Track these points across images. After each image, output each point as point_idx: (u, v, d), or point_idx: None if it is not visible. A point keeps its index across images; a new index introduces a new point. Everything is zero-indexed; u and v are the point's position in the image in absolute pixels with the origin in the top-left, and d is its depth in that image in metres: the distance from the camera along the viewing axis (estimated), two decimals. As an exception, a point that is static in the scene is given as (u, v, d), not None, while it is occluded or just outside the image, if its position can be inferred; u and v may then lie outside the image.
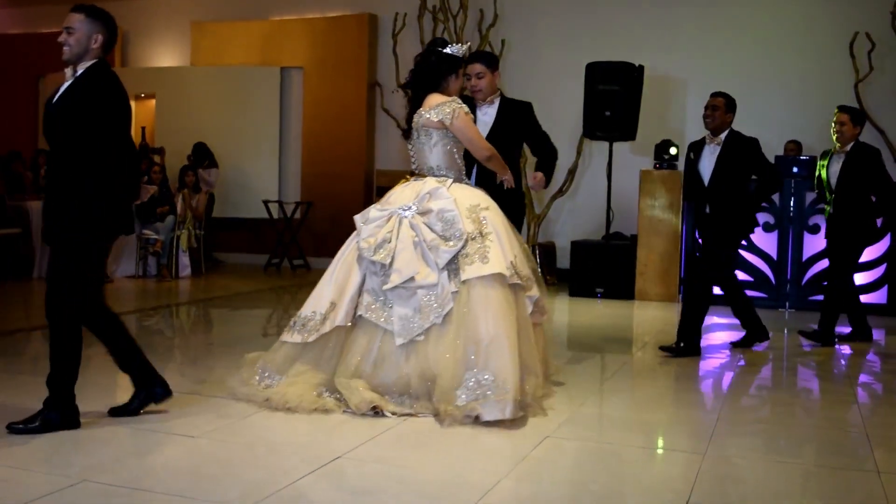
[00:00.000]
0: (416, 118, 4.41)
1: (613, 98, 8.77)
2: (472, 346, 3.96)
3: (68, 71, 3.72)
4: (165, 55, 12.70)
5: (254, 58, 11.93)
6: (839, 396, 4.95)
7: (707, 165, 5.92)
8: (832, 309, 6.42)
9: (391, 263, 4.15)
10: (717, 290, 6.13)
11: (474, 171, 4.73)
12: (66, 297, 3.63)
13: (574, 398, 4.49)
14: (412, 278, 4.10)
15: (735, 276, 6.28)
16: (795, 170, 8.43)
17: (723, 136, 5.87)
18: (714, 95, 5.94)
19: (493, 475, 3.23)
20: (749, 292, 6.94)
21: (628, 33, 10.10)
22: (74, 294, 3.64)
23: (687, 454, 3.63)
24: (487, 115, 4.96)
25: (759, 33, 9.81)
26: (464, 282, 4.08)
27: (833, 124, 6.45)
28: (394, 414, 3.96)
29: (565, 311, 8.19)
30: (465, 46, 4.52)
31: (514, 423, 3.86)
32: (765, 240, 8.41)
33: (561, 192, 10.18)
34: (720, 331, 6.89)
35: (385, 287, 4.13)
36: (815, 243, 8.37)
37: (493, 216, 4.29)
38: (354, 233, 4.38)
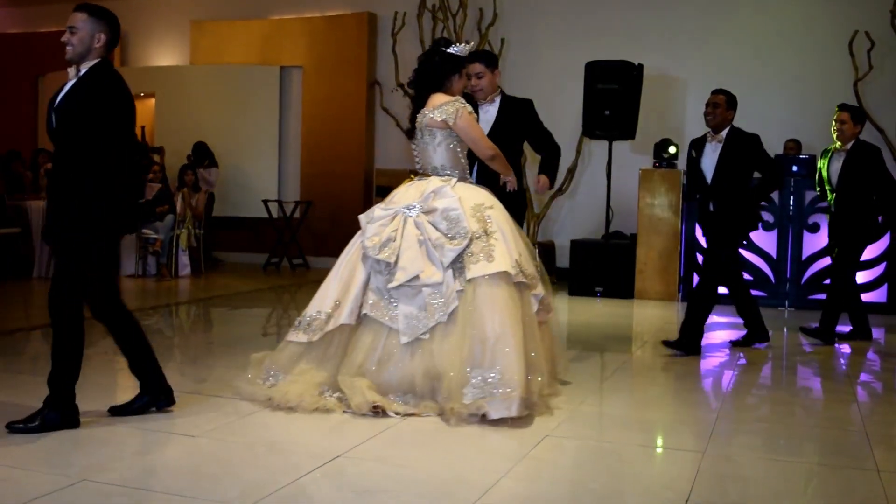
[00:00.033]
0: (419, 118, 4.42)
1: (613, 97, 8.78)
2: (478, 344, 3.97)
3: (71, 70, 3.73)
4: (165, 54, 12.69)
5: (253, 57, 11.93)
6: (839, 395, 4.95)
7: (709, 163, 5.93)
8: (834, 307, 6.43)
9: (396, 262, 4.15)
10: (722, 290, 6.13)
11: (475, 169, 4.73)
12: (66, 297, 3.63)
13: (574, 397, 4.49)
14: (417, 276, 4.10)
15: (741, 273, 6.26)
16: (795, 168, 8.43)
17: (724, 133, 5.87)
18: (715, 93, 5.94)
19: (492, 474, 3.23)
20: (749, 291, 6.94)
21: (628, 32, 10.10)
22: (75, 294, 3.64)
23: (687, 453, 3.63)
24: (488, 113, 4.98)
25: (758, 32, 9.81)
26: (469, 280, 4.09)
27: (833, 123, 6.45)
28: (397, 414, 3.95)
29: (565, 310, 8.19)
30: (468, 46, 4.53)
31: (519, 421, 3.86)
32: (764, 239, 8.41)
33: (560, 191, 10.18)
34: (720, 329, 6.89)
35: (390, 285, 4.14)
36: (814, 242, 8.38)
37: (498, 215, 4.31)
38: (359, 232, 4.38)
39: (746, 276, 8.36)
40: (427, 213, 4.24)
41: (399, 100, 11.08)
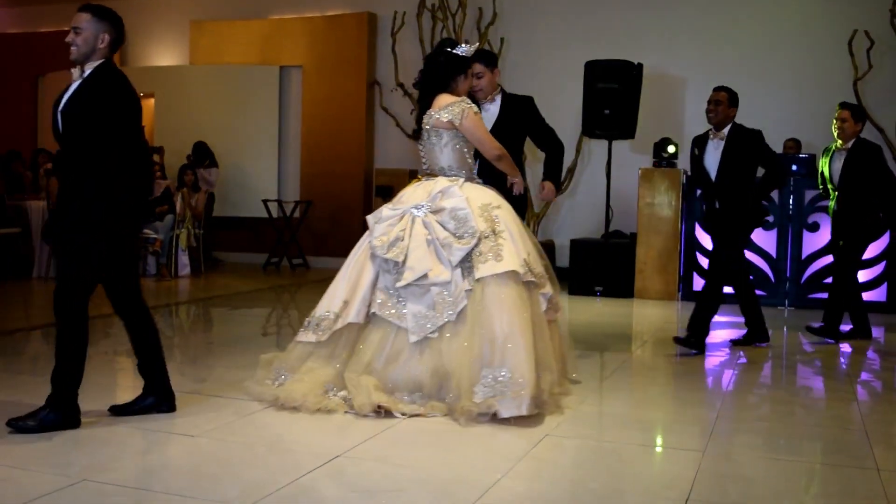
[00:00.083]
0: (425, 119, 4.43)
1: (612, 96, 8.77)
2: (487, 343, 3.98)
3: (75, 71, 3.74)
4: (164, 54, 12.69)
5: (253, 57, 11.93)
6: (839, 394, 4.95)
7: (712, 161, 5.94)
8: (838, 304, 6.44)
9: (404, 261, 4.16)
10: (729, 289, 6.14)
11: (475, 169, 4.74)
12: (67, 298, 3.64)
13: (574, 396, 4.49)
14: (425, 275, 4.11)
15: (746, 272, 6.24)
16: (795, 168, 8.43)
17: (726, 130, 5.88)
18: (717, 90, 5.95)
19: (492, 474, 3.23)
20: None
21: (627, 32, 10.10)
22: (76, 295, 3.65)
23: (687, 452, 3.63)
24: (490, 112, 4.99)
25: (757, 31, 9.81)
26: (478, 280, 4.10)
27: (834, 121, 6.46)
28: (403, 415, 3.94)
29: (565, 310, 8.10)
30: (473, 47, 4.54)
31: (520, 420, 3.86)
32: (764, 238, 8.41)
33: (560, 190, 10.17)
34: (720, 329, 6.89)
35: (398, 284, 4.14)
36: (814, 241, 8.38)
37: (505, 214, 4.33)
38: (367, 232, 4.40)
39: (746, 275, 8.38)
40: (435, 212, 4.25)
41: (399, 99, 11.08)
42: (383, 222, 4.31)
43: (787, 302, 8.44)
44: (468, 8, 10.68)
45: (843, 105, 6.52)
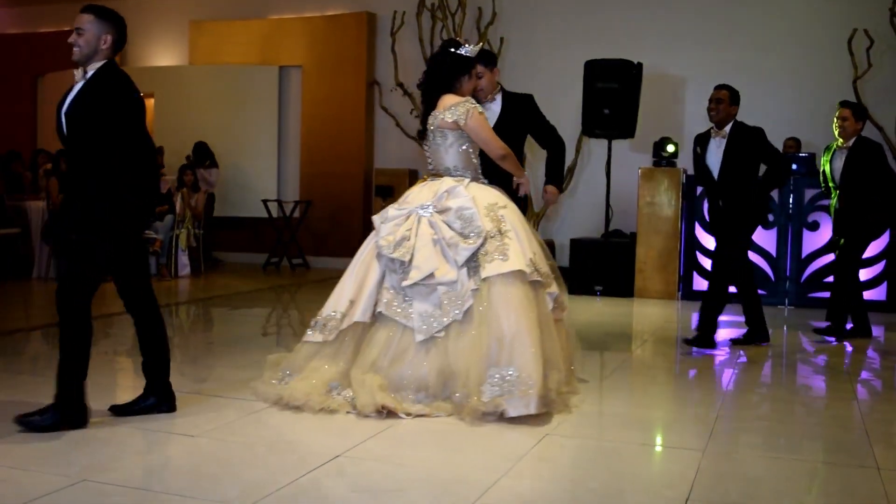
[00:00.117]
0: (430, 119, 4.43)
1: (612, 96, 8.77)
2: (494, 342, 3.99)
3: (78, 72, 3.75)
4: (164, 54, 12.69)
5: (252, 57, 11.93)
6: (839, 393, 4.95)
7: (714, 159, 5.95)
8: (842, 302, 6.45)
9: (410, 261, 4.17)
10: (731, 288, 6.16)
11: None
12: (70, 297, 3.65)
13: (574, 396, 4.48)
14: (432, 275, 4.12)
15: (750, 271, 6.24)
16: (794, 167, 8.43)
17: (728, 128, 5.89)
18: (718, 88, 5.96)
19: (492, 473, 3.23)
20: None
21: (627, 31, 10.10)
22: (79, 294, 3.66)
23: (687, 451, 3.63)
24: (491, 111, 4.99)
25: (757, 30, 9.81)
26: (484, 279, 4.11)
27: (835, 120, 6.47)
28: (408, 415, 3.94)
29: (565, 309, 8.18)
30: (476, 47, 4.55)
31: (525, 419, 3.86)
32: (764, 237, 8.41)
33: (562, 190, 10.17)
34: (721, 328, 6.87)
35: (404, 284, 4.15)
36: (814, 240, 8.38)
37: (511, 214, 4.34)
38: (373, 232, 4.41)
39: (746, 274, 8.38)
40: (441, 212, 4.26)
41: (398, 99, 11.08)
42: (389, 222, 4.32)
43: (787, 301, 8.44)
44: (468, 7, 10.68)
45: (844, 103, 6.53)
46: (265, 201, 11.31)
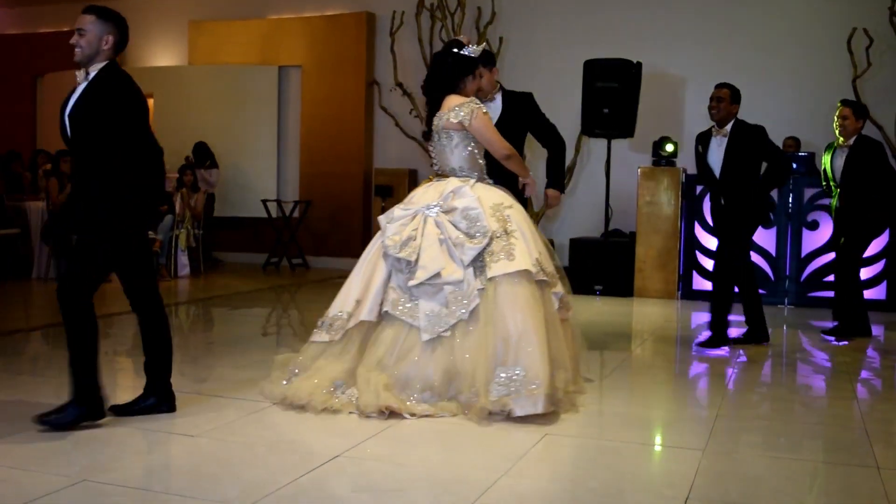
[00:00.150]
0: (435, 120, 4.44)
1: (612, 95, 8.77)
2: (500, 342, 3.99)
3: (80, 74, 3.76)
4: (163, 54, 12.69)
5: (252, 57, 11.93)
6: (838, 392, 4.95)
7: (716, 158, 5.96)
8: (845, 300, 6.46)
9: (417, 260, 4.17)
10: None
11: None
12: (71, 297, 3.66)
13: (575, 395, 4.48)
14: (438, 274, 4.12)
15: (751, 270, 6.23)
16: (794, 166, 8.43)
17: (729, 126, 5.89)
18: (719, 87, 5.97)
19: (492, 472, 3.23)
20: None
21: (626, 30, 10.10)
22: (80, 294, 3.67)
23: (687, 451, 3.63)
24: (492, 110, 5.00)
25: (756, 30, 9.81)
26: (490, 279, 4.12)
27: (835, 118, 6.47)
28: (412, 415, 3.94)
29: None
30: (479, 47, 4.56)
31: (538, 418, 3.87)
32: (763, 236, 8.41)
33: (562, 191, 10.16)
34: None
35: (411, 283, 4.16)
36: (813, 239, 8.39)
37: (517, 214, 4.35)
38: (379, 232, 4.42)
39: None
40: (447, 212, 4.27)
41: (398, 99, 11.08)
42: (395, 222, 4.33)
43: (786, 300, 8.44)
44: (467, 7, 10.68)
45: (844, 102, 6.53)
46: (265, 201, 11.31)
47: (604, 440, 3.84)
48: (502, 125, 4.87)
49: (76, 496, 2.93)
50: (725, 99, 5.88)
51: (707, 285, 8.41)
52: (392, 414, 3.93)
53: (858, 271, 6.63)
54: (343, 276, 4.69)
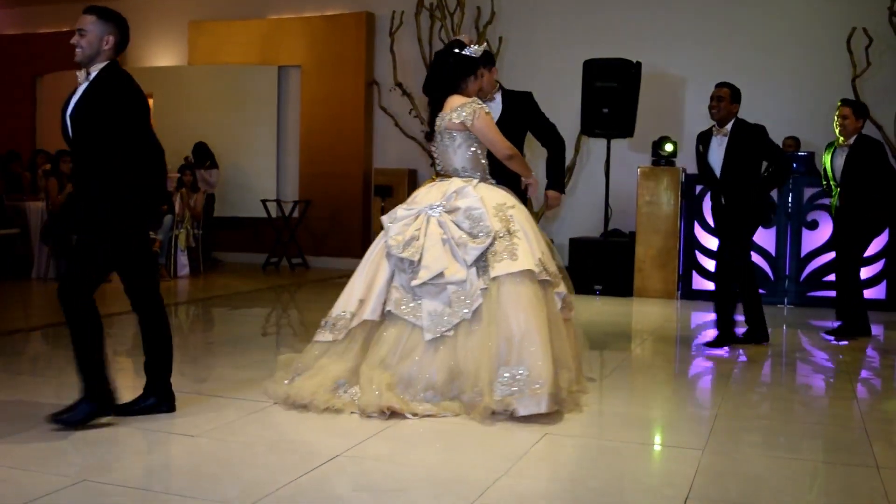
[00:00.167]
0: (438, 121, 4.45)
1: (611, 95, 8.77)
2: (504, 341, 4.00)
3: (80, 74, 3.76)
4: (163, 55, 12.68)
5: (251, 57, 11.93)
6: (838, 392, 4.95)
7: (716, 157, 5.96)
8: (847, 299, 6.46)
9: (420, 260, 4.18)
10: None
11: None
12: (72, 297, 3.66)
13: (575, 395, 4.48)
14: (441, 274, 4.13)
15: (752, 270, 6.24)
16: (794, 166, 8.43)
17: (729, 126, 5.90)
18: (719, 86, 5.97)
19: (492, 472, 3.23)
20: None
21: (626, 30, 10.09)
22: (80, 294, 3.68)
23: (686, 450, 3.63)
24: (491, 109, 4.99)
25: (756, 29, 9.81)
26: (493, 279, 4.12)
27: (836, 118, 6.47)
28: (414, 415, 3.94)
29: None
30: (481, 48, 4.56)
31: (539, 417, 3.87)
32: (763, 236, 8.41)
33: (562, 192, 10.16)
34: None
35: (414, 283, 4.16)
36: (813, 239, 8.39)
37: (520, 214, 4.36)
38: (381, 233, 4.43)
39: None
40: (450, 212, 4.28)
41: (397, 99, 11.08)
42: (398, 222, 4.34)
43: (786, 300, 8.44)
44: (466, 7, 10.68)
45: (844, 102, 6.53)
46: (264, 201, 11.31)
47: (604, 440, 3.84)
48: (502, 125, 4.87)
49: (76, 496, 2.93)
50: (725, 98, 5.88)
51: (707, 285, 8.43)
52: (393, 414, 3.93)
53: (859, 271, 6.64)
54: (343, 275, 4.70)
